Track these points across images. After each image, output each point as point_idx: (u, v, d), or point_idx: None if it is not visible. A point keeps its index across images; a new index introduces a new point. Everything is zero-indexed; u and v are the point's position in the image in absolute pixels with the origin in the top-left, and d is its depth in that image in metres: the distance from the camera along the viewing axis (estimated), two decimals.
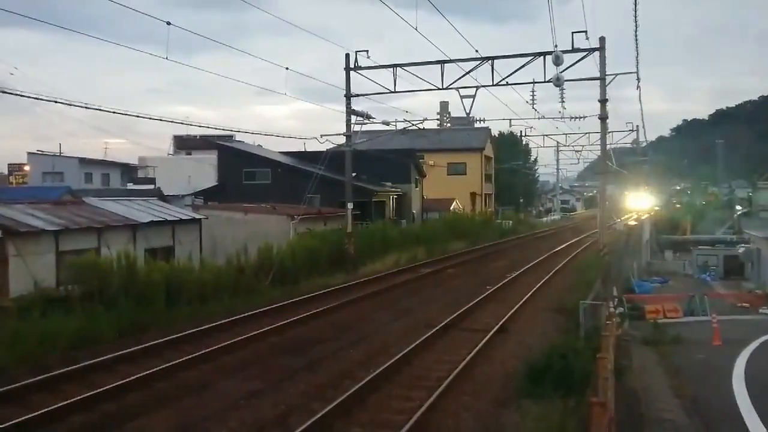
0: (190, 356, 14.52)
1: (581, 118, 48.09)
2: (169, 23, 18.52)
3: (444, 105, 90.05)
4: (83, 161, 55.95)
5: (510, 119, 57.69)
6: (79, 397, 11.48)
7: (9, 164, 61.45)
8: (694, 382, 13.40)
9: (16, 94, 17.67)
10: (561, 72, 24.16)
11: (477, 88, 26.98)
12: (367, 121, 31.45)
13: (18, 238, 19.05)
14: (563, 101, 34.64)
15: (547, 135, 58.08)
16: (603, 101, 23.57)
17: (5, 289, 18.48)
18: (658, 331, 18.24)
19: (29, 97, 17.85)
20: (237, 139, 56.19)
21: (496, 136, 79.61)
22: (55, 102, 18.58)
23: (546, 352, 14.38)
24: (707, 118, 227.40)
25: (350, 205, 31.47)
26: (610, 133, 45.62)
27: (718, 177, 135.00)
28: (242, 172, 46.55)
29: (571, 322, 18.82)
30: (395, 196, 50.63)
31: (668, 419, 11.08)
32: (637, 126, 56.65)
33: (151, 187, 54.51)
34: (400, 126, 35.43)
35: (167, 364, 13.84)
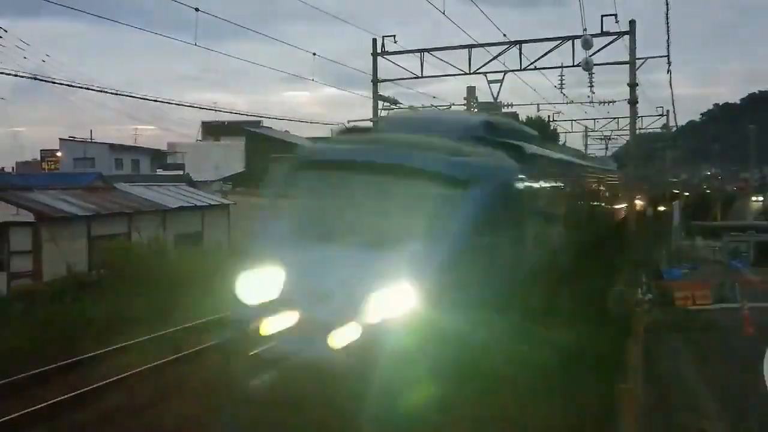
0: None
1: (610, 102, 47.55)
2: (197, 9, 18.60)
3: (471, 90, 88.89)
4: (114, 147, 56.48)
5: (538, 104, 57.16)
6: (111, 380, 11.68)
7: (41, 150, 62.33)
8: (724, 370, 13.27)
9: (49, 81, 17.88)
10: (590, 56, 23.87)
11: (505, 72, 26.78)
12: (394, 107, 31.36)
13: (51, 224, 19.37)
14: (592, 86, 34.18)
15: (575, 120, 57.57)
16: (632, 85, 23.26)
17: (39, 273, 18.81)
18: (688, 318, 18.04)
19: (62, 84, 18.06)
20: (264, 125, 56.35)
21: (524, 121, 78.93)
22: (87, 89, 18.81)
23: (575, 338, 14.32)
24: (739, 102, 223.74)
25: None
26: (640, 118, 45.09)
27: (750, 162, 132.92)
28: (270, 158, 46.65)
29: (601, 308, 18.72)
30: None
31: (698, 406, 11.00)
32: (668, 111, 55.72)
33: (180, 173, 54.95)
34: None
35: (199, 347, 14.02)
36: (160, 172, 56.40)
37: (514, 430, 10.38)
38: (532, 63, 25.90)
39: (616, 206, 28.14)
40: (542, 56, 25.67)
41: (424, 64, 27.34)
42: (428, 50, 27.28)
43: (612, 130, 58.96)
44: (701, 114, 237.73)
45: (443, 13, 22.27)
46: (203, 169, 57.76)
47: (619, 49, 23.65)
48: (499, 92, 27.67)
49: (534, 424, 10.23)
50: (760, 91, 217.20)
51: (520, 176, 10.55)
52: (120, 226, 21.99)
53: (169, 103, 36.78)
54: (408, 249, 7.76)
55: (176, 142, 69.48)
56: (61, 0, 16.16)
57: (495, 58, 26.13)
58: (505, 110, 67.84)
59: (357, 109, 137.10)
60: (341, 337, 7.27)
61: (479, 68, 26.68)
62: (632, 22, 23.34)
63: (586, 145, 76.46)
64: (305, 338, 7.38)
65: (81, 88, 18.57)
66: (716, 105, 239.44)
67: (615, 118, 54.75)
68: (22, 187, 24.10)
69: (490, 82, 27.52)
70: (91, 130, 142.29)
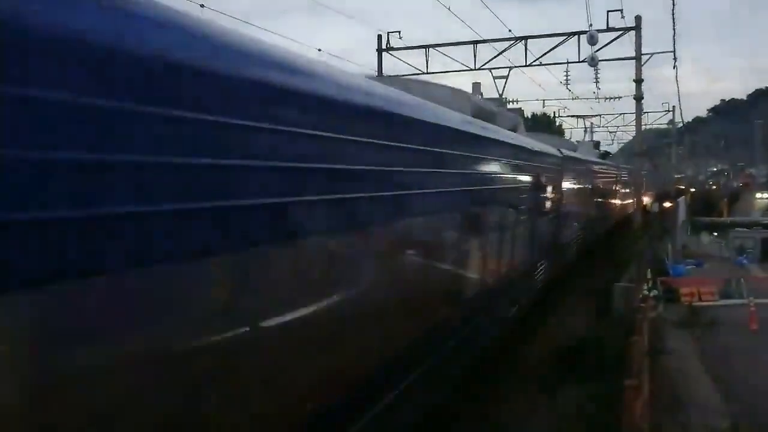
0: None
1: (616, 98, 47.50)
2: (203, 6, 18.61)
3: (476, 86, 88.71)
4: None
5: (543, 100, 57.08)
6: None
7: None
8: (730, 366, 13.24)
9: None
10: (596, 52, 23.83)
11: (510, 68, 26.73)
12: None
13: None
14: (598, 81, 34.09)
15: (581, 116, 57.44)
16: (638, 81, 23.19)
17: None
18: (693, 314, 18.01)
19: None
20: None
21: (529, 117, 78.94)
22: None
23: (579, 335, 14.33)
24: (746, 98, 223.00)
25: None
26: (646, 114, 45.03)
27: (756, 158, 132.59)
28: None
29: (605, 305, 18.74)
30: None
31: (704, 403, 10.99)
32: (674, 106, 55.59)
33: None
34: None
35: None
36: None
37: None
38: (537, 59, 25.85)
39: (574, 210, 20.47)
40: (548, 52, 25.64)
41: (430, 60, 27.33)
42: (433, 46, 27.26)
43: (618, 126, 58.94)
44: (708, 110, 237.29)
45: (449, 9, 22.26)
46: None
47: (625, 45, 23.59)
48: (504, 88, 27.62)
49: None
50: (767, 87, 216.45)
51: None
52: None
53: None
54: None
55: None
56: None
57: (500, 53, 26.10)
58: (510, 106, 67.86)
59: None
60: None
61: (485, 64, 26.66)
62: (638, 18, 23.27)
63: (592, 140, 76.77)
64: None
65: None
66: (723, 101, 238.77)
67: (621, 113, 54.77)
68: None
69: (495, 78, 27.49)
70: None
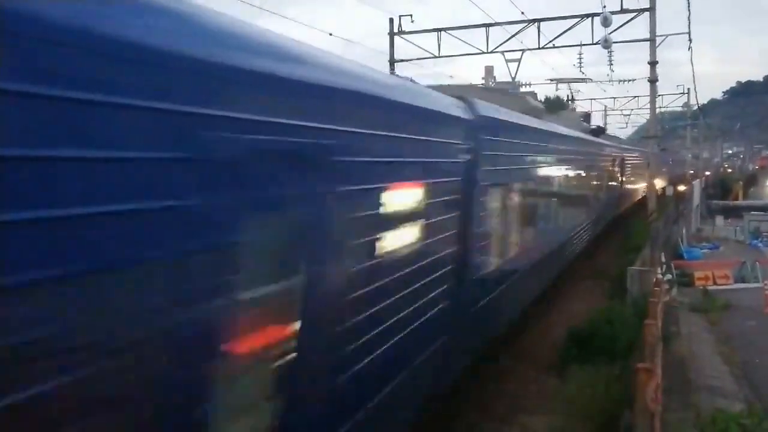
0: None
1: (630, 81, 47.05)
2: None
3: (489, 69, 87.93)
4: None
5: (556, 83, 56.34)
6: None
7: None
8: (743, 349, 13.20)
9: None
10: (609, 33, 23.58)
11: (523, 51, 26.53)
12: None
13: None
14: (611, 64, 33.78)
15: (594, 99, 57.04)
16: (653, 63, 22.95)
17: None
18: (708, 298, 17.95)
19: None
20: None
21: (542, 100, 78.40)
22: None
23: (592, 318, 14.31)
24: (762, 80, 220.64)
25: None
26: (660, 96, 44.60)
27: None
28: None
29: (618, 288, 18.68)
30: None
31: (717, 386, 10.95)
32: (688, 89, 55.13)
33: None
34: None
35: None
36: None
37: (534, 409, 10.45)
38: (550, 41, 25.62)
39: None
40: (561, 34, 25.40)
41: (442, 43, 27.15)
42: (445, 29, 27.05)
43: (632, 109, 58.54)
44: (723, 92, 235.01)
45: None
46: None
47: (639, 26, 23.32)
48: (517, 71, 27.43)
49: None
50: None
51: None
52: None
53: None
54: None
55: None
56: None
57: (513, 36, 25.88)
58: (523, 89, 67.37)
59: None
60: None
61: (497, 47, 26.43)
62: None
63: (605, 124, 76.14)
64: None
65: None
66: (738, 82, 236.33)
67: (635, 96, 54.33)
68: None
69: (508, 61, 27.29)
70: None
